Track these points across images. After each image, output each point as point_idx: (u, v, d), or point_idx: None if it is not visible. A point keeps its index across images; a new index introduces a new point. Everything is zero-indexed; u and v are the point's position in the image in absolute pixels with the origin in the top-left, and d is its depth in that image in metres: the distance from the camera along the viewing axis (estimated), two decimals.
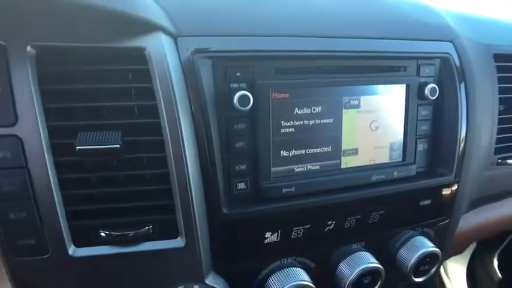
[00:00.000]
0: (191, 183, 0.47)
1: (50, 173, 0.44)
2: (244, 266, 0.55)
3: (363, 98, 0.57)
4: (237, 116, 0.51)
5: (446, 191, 0.65)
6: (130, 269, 0.49)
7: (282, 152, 0.54)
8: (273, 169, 0.54)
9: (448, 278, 1.28)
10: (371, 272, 0.59)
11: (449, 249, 0.73)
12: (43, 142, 0.43)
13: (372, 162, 0.60)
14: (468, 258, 1.29)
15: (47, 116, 0.44)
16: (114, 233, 0.47)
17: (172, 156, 0.46)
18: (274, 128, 0.53)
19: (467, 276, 1.30)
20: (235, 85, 0.51)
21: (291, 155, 0.55)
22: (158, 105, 0.46)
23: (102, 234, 0.47)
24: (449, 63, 0.62)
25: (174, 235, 0.49)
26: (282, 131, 0.54)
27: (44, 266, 0.46)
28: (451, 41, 0.63)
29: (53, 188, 0.44)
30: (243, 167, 0.53)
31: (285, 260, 0.58)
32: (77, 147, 0.44)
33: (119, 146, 0.44)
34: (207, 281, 0.52)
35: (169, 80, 0.46)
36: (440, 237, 0.68)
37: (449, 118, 0.63)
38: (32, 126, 0.43)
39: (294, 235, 0.56)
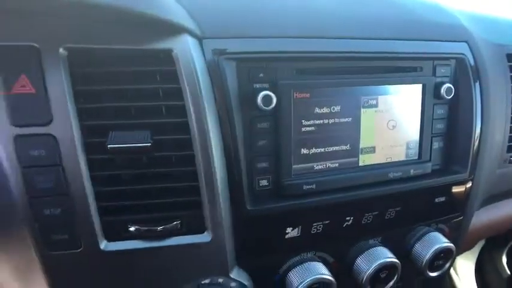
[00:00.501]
0: (217, 180, 0.49)
1: (83, 170, 0.45)
2: (266, 261, 0.57)
3: (380, 98, 0.59)
4: (260, 115, 0.53)
5: (460, 188, 0.66)
6: (159, 262, 0.50)
7: (302, 150, 0.56)
8: (294, 167, 0.56)
9: (457, 274, 1.29)
10: (388, 267, 0.61)
11: (461, 245, 0.75)
12: (76, 141, 0.45)
13: (388, 160, 0.61)
14: (477, 254, 1.31)
15: (79, 115, 0.45)
16: (144, 228, 0.49)
17: (199, 154, 0.48)
18: (295, 127, 0.54)
19: (475, 272, 1.31)
20: (258, 85, 0.52)
21: (311, 153, 0.56)
22: (186, 105, 0.47)
23: (133, 229, 0.48)
24: (464, 63, 0.63)
25: (201, 230, 0.51)
26: (303, 129, 0.55)
27: (77, 260, 0.48)
28: (465, 42, 0.65)
29: (86, 185, 0.46)
30: (265, 164, 0.54)
31: (305, 255, 0.59)
32: (108, 146, 0.45)
33: (150, 144, 0.46)
34: (232, 275, 0.53)
35: (196, 81, 0.48)
36: (454, 234, 0.70)
37: (464, 117, 0.64)
38: (66, 126, 0.45)
39: (314, 231, 0.58)
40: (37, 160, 0.45)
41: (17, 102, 0.44)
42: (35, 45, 0.44)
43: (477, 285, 1.30)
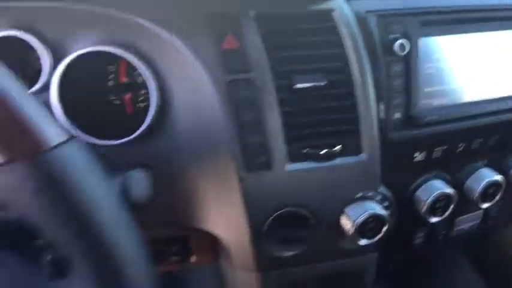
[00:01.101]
0: (371, 112, 0.62)
1: (275, 107, 0.59)
2: (399, 180, 0.70)
3: (487, 43, 0.71)
4: (395, 60, 0.66)
5: None
6: (324, 179, 0.63)
7: (426, 88, 0.68)
8: (420, 102, 0.68)
9: None
10: (495, 184, 0.73)
11: None
12: (269, 83, 0.59)
13: (492, 96, 0.74)
14: None
15: (270, 63, 0.59)
16: (315, 151, 0.62)
17: (359, 91, 0.61)
18: (421, 69, 0.67)
19: None
20: (392, 36, 0.65)
21: (432, 90, 0.69)
22: (346, 52, 0.61)
23: (308, 152, 0.62)
24: None
25: (357, 152, 0.64)
26: (426, 71, 0.68)
27: (267, 179, 0.61)
28: None
29: (277, 118, 0.59)
30: (399, 100, 0.67)
31: (429, 175, 0.72)
32: (293, 87, 0.59)
33: (325, 83, 0.59)
34: (379, 190, 0.67)
35: (352, 33, 0.61)
36: None
37: None
38: (262, 72, 0.58)
39: (435, 155, 0.71)
40: (243, 99, 0.58)
41: (226, 55, 0.58)
42: (235, 10, 0.58)
43: None
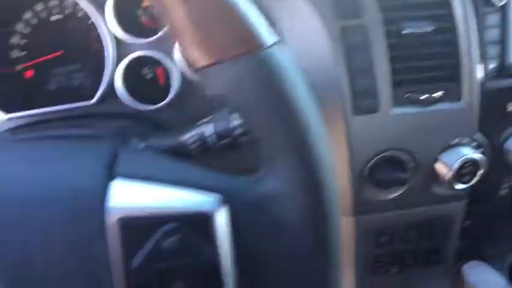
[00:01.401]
0: (473, 59, 0.65)
1: (383, 51, 0.62)
2: (491, 128, 0.73)
3: None
4: (493, 11, 0.68)
5: None
6: (426, 123, 0.66)
7: None
8: None
9: None
10: None
11: None
12: (379, 29, 0.62)
13: None
14: None
15: (380, 10, 0.62)
16: (417, 96, 0.65)
17: (461, 38, 0.64)
18: None
19: None
20: None
21: None
22: (451, 1, 0.64)
23: (410, 97, 0.65)
24: None
25: (457, 99, 0.67)
26: None
27: (373, 122, 0.65)
28: None
29: (385, 63, 0.63)
30: (494, 50, 0.70)
31: None
32: (402, 32, 0.62)
33: (432, 29, 0.62)
34: (475, 137, 0.70)
35: None
36: None
37: None
38: (372, 18, 0.62)
39: None
40: (354, 45, 0.62)
41: (339, 2, 0.61)
42: None
43: None
